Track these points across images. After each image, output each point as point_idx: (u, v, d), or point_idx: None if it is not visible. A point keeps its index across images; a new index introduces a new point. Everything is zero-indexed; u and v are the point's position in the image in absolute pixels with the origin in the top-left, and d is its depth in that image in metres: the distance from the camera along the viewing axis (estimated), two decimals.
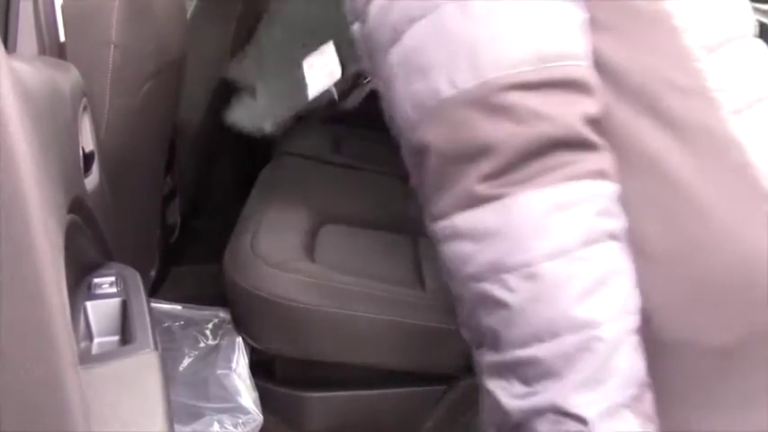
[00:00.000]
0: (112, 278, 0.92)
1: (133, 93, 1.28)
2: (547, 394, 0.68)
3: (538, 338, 0.68)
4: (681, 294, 0.74)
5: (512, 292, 0.68)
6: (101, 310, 0.87)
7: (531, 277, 0.68)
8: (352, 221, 1.68)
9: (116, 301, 0.89)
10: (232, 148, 2.11)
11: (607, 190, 0.71)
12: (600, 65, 0.74)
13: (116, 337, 0.86)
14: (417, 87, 0.72)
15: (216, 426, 1.38)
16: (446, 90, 0.70)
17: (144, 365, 0.76)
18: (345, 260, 1.52)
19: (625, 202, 0.73)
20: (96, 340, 0.86)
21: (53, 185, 0.66)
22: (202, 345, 1.55)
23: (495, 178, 0.69)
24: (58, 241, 0.61)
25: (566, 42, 0.72)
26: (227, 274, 1.49)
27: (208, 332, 1.57)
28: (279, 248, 1.50)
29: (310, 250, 1.54)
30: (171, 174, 1.73)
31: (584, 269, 0.68)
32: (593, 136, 0.70)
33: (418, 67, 0.72)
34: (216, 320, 1.59)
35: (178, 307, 1.62)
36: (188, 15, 1.72)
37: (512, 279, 0.68)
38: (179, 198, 1.81)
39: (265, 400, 1.45)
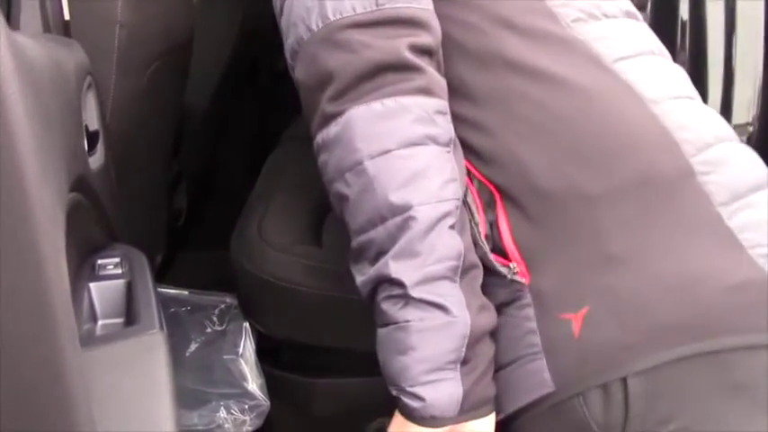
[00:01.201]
0: (117, 259, 0.90)
1: (139, 74, 1.26)
2: (378, 267, 0.83)
3: (371, 224, 0.84)
4: (550, 154, 0.88)
5: (349, 187, 0.84)
6: (105, 292, 0.86)
7: (360, 173, 0.83)
8: None
9: (121, 283, 0.87)
10: (240, 132, 2.09)
11: (429, 103, 0.85)
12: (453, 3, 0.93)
13: (120, 319, 0.85)
14: (291, 39, 0.90)
15: (222, 411, 1.37)
16: (304, 34, 0.87)
17: (149, 346, 0.74)
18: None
19: (498, 97, 0.90)
20: (100, 322, 0.85)
21: (54, 161, 0.64)
22: (209, 330, 1.53)
23: (336, 99, 0.85)
24: (59, 217, 0.59)
25: None
26: (234, 259, 1.48)
27: (215, 318, 1.55)
28: (286, 233, 1.48)
29: (317, 235, 1.52)
30: (178, 158, 1.72)
31: (401, 165, 0.83)
32: (417, 60, 0.85)
33: (291, 22, 0.89)
34: (223, 306, 1.57)
35: (185, 292, 1.60)
36: None
37: (349, 176, 0.84)
38: (186, 183, 1.79)
39: (272, 386, 1.44)
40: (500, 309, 0.89)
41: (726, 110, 1.33)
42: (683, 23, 1.39)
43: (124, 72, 1.20)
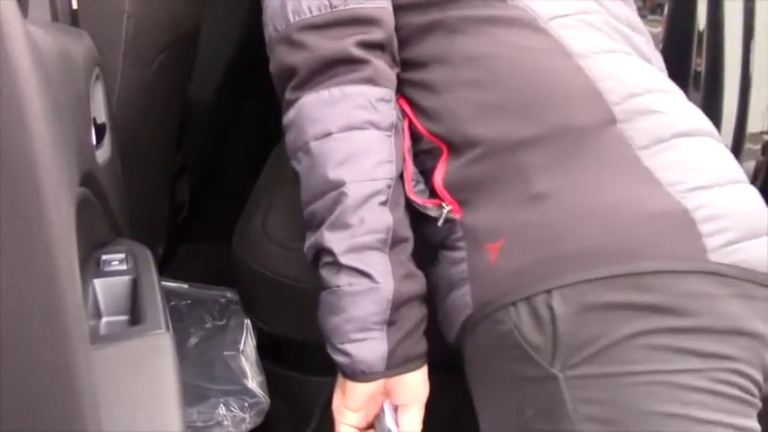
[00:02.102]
0: (122, 255, 0.89)
1: (145, 65, 1.25)
2: (316, 236, 0.94)
3: (315, 197, 0.94)
4: (480, 105, 0.96)
5: (300, 164, 0.95)
6: (109, 288, 0.84)
7: (307, 152, 0.94)
8: None
9: (126, 279, 0.86)
10: (244, 125, 2.07)
11: (372, 92, 0.95)
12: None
13: (125, 317, 0.83)
14: (266, 36, 1.00)
15: (222, 408, 1.36)
16: (272, 33, 0.98)
17: (155, 347, 0.73)
18: None
19: (442, 58, 0.99)
20: (104, 319, 0.83)
21: (66, 156, 0.62)
22: (209, 325, 1.52)
23: (296, 89, 0.96)
24: (70, 214, 0.58)
25: None
26: (236, 253, 1.46)
27: (215, 312, 1.54)
28: (290, 228, 1.47)
29: None
30: (181, 151, 1.70)
31: (339, 146, 0.93)
32: (363, 54, 0.95)
33: (265, 21, 1.00)
34: (223, 300, 1.56)
35: (185, 286, 1.59)
36: None
37: (300, 155, 0.95)
38: (189, 176, 1.78)
39: (273, 384, 1.43)
40: (440, 245, 0.98)
41: (741, 118, 1.32)
42: (701, 29, 1.37)
43: (131, 63, 1.18)
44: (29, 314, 0.46)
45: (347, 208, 0.92)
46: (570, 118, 0.94)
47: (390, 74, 0.99)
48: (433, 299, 1.00)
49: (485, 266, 0.92)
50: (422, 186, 1.00)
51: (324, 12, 0.95)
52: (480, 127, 0.95)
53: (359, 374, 0.94)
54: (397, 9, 1.01)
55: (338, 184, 0.92)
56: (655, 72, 1.04)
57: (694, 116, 1.00)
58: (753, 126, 1.32)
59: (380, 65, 0.97)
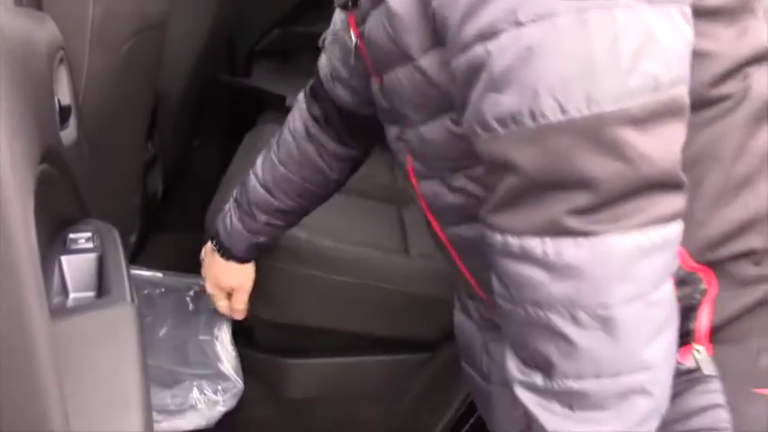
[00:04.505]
0: (89, 233, 0.90)
1: (113, 52, 1.25)
2: (590, 426, 0.71)
3: (596, 375, 0.70)
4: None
5: (581, 328, 0.69)
6: (76, 265, 0.85)
7: (605, 318, 0.69)
8: None
9: (92, 256, 0.87)
10: (216, 115, 2.08)
11: (680, 230, 0.71)
12: None
13: (92, 293, 0.85)
14: (509, 99, 0.67)
15: (195, 392, 1.36)
16: (552, 115, 0.66)
17: (119, 317, 0.74)
18: (330, 225, 1.51)
19: (696, 158, 0.76)
20: (72, 295, 0.85)
21: (23, 131, 0.63)
22: (183, 312, 1.53)
23: (587, 214, 0.67)
24: (27, 185, 0.59)
25: (676, 65, 0.68)
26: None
27: (189, 299, 1.55)
28: None
29: None
30: (153, 141, 1.71)
31: (655, 313, 0.70)
32: (682, 174, 0.70)
33: (524, 82, 0.67)
34: (197, 287, 1.56)
35: (159, 274, 1.59)
36: None
37: (584, 316, 0.69)
38: (161, 165, 1.78)
39: (246, 367, 1.44)
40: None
41: None
42: None
43: (98, 49, 1.18)
44: None
45: (656, 401, 0.71)
46: None
47: None
48: None
49: (761, 416, 0.77)
50: None
51: (652, 98, 0.65)
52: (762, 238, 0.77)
53: None
54: None
55: (650, 366, 0.70)
56: None
57: None
58: None
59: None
